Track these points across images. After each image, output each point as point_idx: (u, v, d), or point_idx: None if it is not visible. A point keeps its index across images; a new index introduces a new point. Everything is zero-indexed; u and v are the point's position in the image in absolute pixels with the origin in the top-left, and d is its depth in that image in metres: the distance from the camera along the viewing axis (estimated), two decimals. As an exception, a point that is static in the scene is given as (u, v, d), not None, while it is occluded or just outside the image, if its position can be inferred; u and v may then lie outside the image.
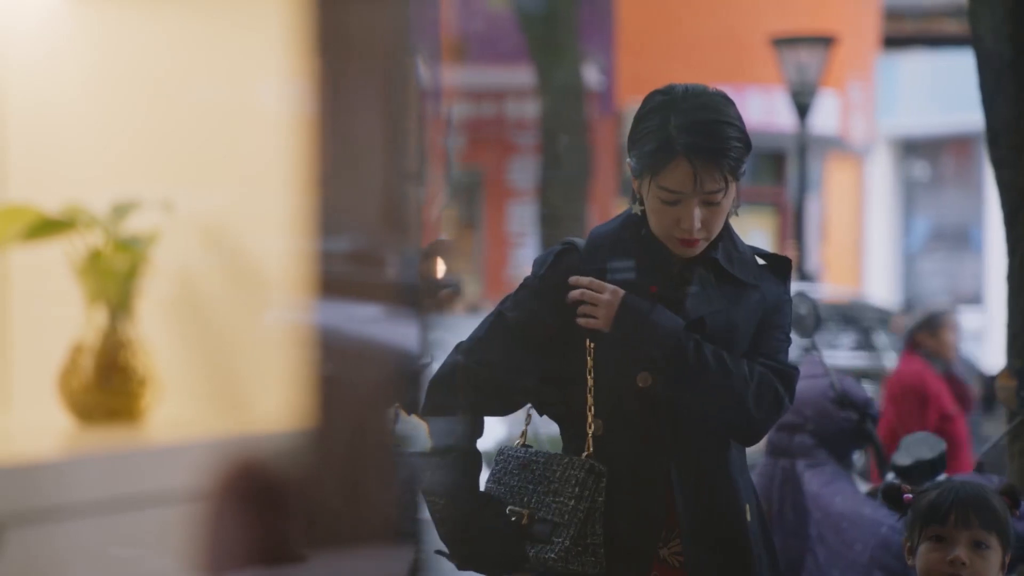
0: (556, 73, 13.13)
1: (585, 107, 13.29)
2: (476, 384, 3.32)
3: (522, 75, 14.51)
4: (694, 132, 3.23)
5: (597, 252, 3.34)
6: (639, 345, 3.24)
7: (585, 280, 3.27)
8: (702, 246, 3.29)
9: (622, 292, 3.25)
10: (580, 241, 3.40)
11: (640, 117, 3.31)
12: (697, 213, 3.24)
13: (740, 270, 3.35)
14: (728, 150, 3.24)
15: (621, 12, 17.37)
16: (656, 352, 3.24)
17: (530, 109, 14.91)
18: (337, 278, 2.10)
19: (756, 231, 17.80)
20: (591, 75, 14.81)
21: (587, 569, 3.23)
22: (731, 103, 3.31)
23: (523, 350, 3.32)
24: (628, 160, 3.34)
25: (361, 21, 2.23)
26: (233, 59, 2.73)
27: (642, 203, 3.31)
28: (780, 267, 3.44)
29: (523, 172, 16.49)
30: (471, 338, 3.37)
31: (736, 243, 3.38)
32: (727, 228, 3.36)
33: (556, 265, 3.35)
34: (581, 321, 3.26)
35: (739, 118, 3.29)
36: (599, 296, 3.25)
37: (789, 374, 3.36)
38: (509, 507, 3.29)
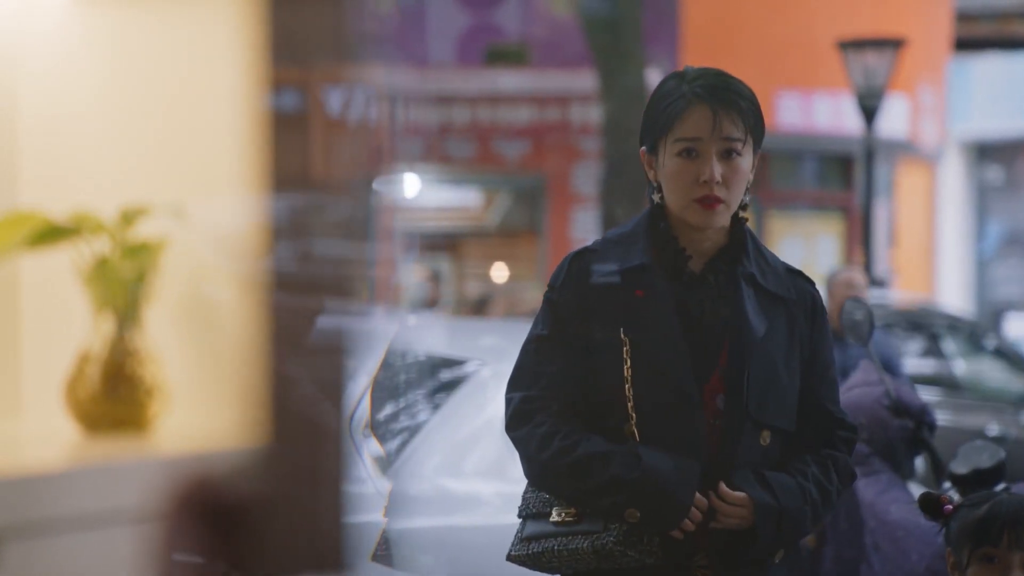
0: (620, 78, 13.07)
1: (649, 112, 13.21)
2: (554, 411, 3.29)
3: (586, 80, 14.46)
4: (708, 78, 3.26)
5: (611, 253, 3.32)
6: (779, 537, 3.27)
7: (702, 501, 3.23)
8: (722, 212, 3.26)
9: (747, 496, 3.23)
10: (593, 244, 3.38)
11: (652, 96, 3.34)
12: (717, 166, 3.22)
13: (773, 283, 3.32)
14: (743, 97, 3.26)
15: (686, 16, 17.28)
16: (789, 540, 3.31)
17: (594, 114, 14.87)
18: (288, 282, 2.06)
19: (824, 236, 17.67)
20: (656, 80, 14.74)
21: (644, 557, 3.20)
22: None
23: (571, 359, 3.29)
24: (643, 148, 3.33)
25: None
26: (246, 64, 2.68)
27: (659, 190, 3.30)
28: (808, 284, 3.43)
29: (587, 178, 16.45)
30: (525, 374, 3.33)
31: (766, 256, 3.36)
32: (756, 241, 3.34)
33: (571, 271, 3.33)
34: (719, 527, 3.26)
35: (753, 93, 3.32)
36: (741, 511, 3.24)
37: (853, 439, 3.43)
38: (555, 508, 3.26)
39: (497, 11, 16.90)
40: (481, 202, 18.02)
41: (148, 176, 2.79)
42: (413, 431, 5.27)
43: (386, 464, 5.14)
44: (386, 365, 5.63)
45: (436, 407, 5.38)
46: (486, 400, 5.33)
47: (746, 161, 3.26)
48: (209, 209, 2.65)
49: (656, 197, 3.32)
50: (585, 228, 16.36)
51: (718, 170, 3.22)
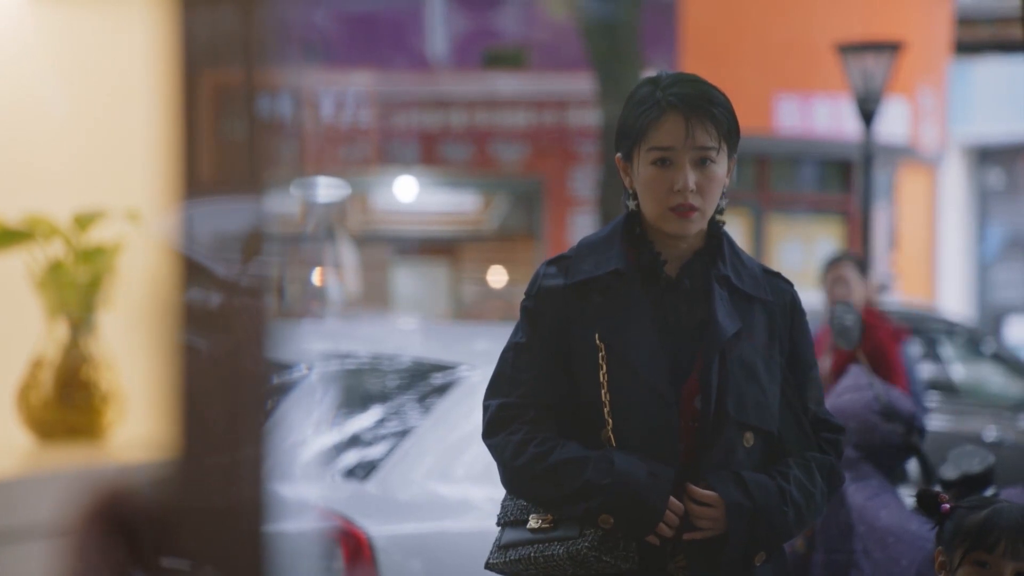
0: (619, 81, 13.05)
1: (647, 115, 13.20)
2: (531, 418, 3.26)
3: (584, 83, 14.45)
4: (682, 85, 3.26)
5: (586, 259, 3.31)
6: (755, 537, 3.23)
7: (677, 506, 3.20)
8: (698, 220, 3.26)
9: (717, 495, 3.20)
10: (568, 251, 3.38)
11: (627, 103, 3.31)
12: (691, 175, 3.21)
13: (750, 285, 3.31)
14: (717, 104, 3.25)
15: (685, 20, 17.25)
16: (768, 542, 3.27)
17: (592, 118, 14.86)
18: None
19: (824, 239, 17.65)
20: (654, 83, 14.70)
21: (620, 563, 3.19)
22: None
23: (548, 366, 3.27)
24: (618, 155, 3.32)
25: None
26: (170, 66, 2.64)
27: (635, 196, 3.29)
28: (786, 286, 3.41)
29: (585, 181, 16.43)
30: (502, 382, 3.31)
31: (743, 259, 3.35)
32: (732, 244, 3.34)
33: (547, 279, 3.32)
34: (698, 534, 3.22)
35: (727, 99, 3.30)
36: (712, 511, 3.21)
37: (838, 440, 3.39)
38: (532, 515, 3.23)
39: (495, 14, 16.89)
40: (479, 206, 18.02)
41: (99, 179, 2.75)
42: (403, 435, 5.25)
43: (363, 470, 5.11)
44: (373, 368, 5.61)
45: (426, 411, 5.36)
46: (477, 404, 5.30)
47: (720, 168, 3.26)
48: (158, 213, 2.61)
49: (632, 204, 3.31)
50: (583, 232, 16.29)
51: (692, 178, 3.22)
